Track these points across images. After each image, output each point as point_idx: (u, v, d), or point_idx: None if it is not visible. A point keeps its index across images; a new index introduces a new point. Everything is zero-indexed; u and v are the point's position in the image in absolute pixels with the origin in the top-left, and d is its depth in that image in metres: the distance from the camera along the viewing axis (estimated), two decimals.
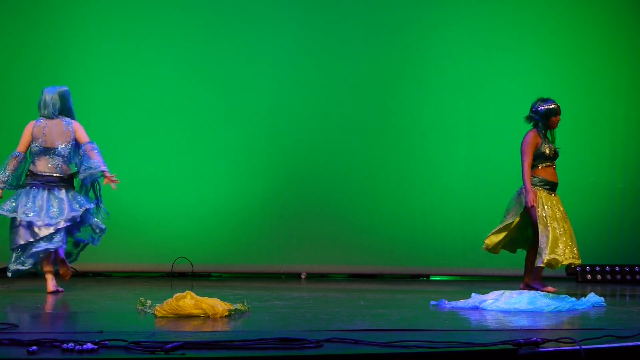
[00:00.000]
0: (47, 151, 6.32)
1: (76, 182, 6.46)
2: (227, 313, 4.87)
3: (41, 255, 6.26)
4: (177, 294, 4.89)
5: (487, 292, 5.76)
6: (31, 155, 6.38)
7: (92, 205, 6.46)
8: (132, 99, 8.65)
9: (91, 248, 6.45)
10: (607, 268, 8.66)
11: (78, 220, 6.36)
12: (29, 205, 6.23)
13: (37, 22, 8.61)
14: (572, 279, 8.63)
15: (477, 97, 8.95)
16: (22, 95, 8.31)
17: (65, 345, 3.43)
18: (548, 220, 6.72)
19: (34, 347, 3.40)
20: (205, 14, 8.82)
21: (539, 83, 8.85)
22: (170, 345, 3.41)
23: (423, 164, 8.93)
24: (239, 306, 5.11)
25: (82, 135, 6.39)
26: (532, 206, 6.73)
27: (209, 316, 4.78)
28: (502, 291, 5.71)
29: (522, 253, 7.05)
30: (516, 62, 8.98)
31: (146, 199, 8.59)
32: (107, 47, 8.64)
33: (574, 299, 5.69)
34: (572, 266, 6.87)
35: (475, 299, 5.67)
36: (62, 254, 6.44)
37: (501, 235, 6.89)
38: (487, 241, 6.91)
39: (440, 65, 8.98)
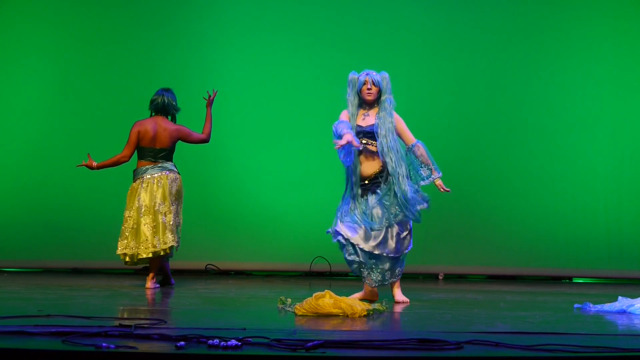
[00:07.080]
0: None
1: None
2: (365, 313, 4.90)
3: None
4: (316, 293, 4.96)
5: (636, 296, 5.54)
6: None
7: None
8: (279, 101, 8.82)
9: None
10: None
11: None
12: None
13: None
14: None
15: (622, 94, 8.60)
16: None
17: (210, 342, 3.54)
18: None
19: (182, 343, 3.53)
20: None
21: None
22: (311, 343, 3.46)
23: (564, 163, 8.65)
24: (377, 306, 5.13)
25: None
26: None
27: (347, 315, 4.82)
28: None
29: None
30: None
31: (284, 199, 8.74)
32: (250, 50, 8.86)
33: None
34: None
35: (622, 302, 5.46)
36: None
37: None
38: None
39: (581, 62, 8.68)
